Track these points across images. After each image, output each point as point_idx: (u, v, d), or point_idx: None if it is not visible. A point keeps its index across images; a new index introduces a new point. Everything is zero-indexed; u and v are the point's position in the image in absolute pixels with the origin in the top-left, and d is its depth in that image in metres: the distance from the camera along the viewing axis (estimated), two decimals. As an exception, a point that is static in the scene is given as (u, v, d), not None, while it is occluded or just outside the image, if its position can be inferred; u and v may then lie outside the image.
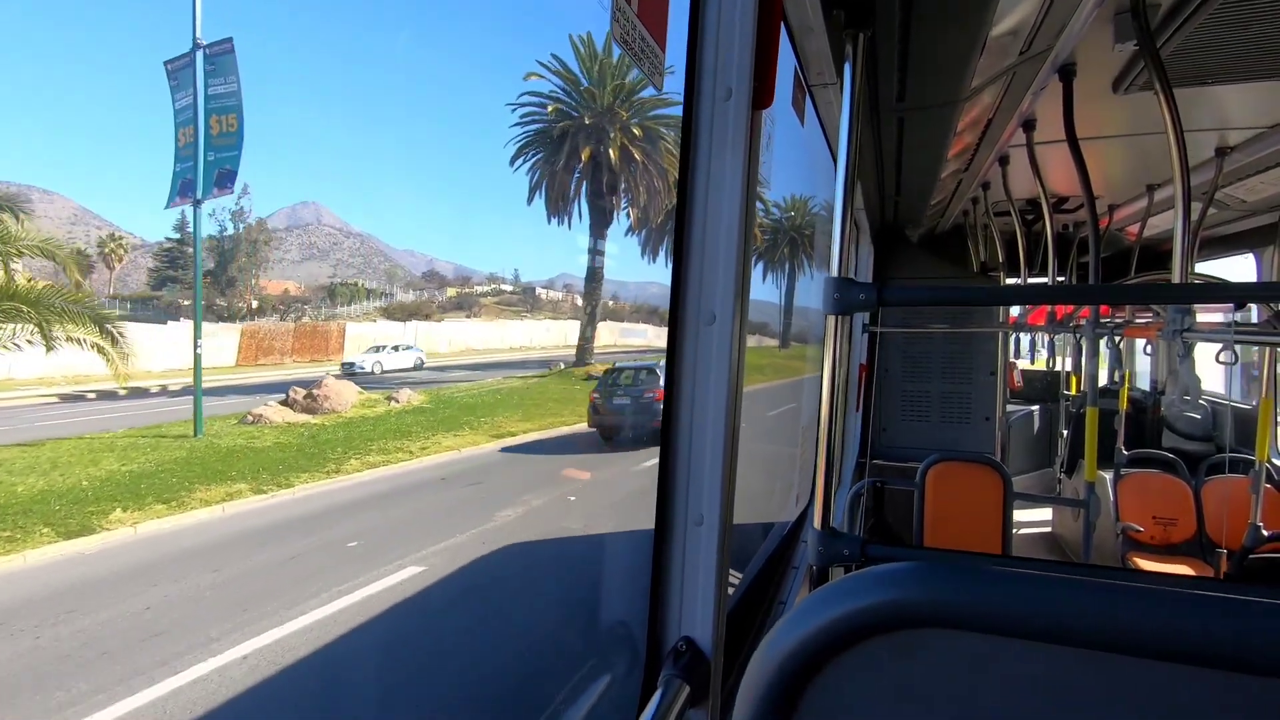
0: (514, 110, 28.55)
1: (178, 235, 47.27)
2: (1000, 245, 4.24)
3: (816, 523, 1.21)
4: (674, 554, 0.98)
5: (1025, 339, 5.06)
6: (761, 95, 0.92)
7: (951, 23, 1.44)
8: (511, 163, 29.10)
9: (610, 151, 27.04)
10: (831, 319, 1.17)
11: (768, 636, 0.64)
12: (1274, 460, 3.70)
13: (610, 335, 44.71)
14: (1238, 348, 1.86)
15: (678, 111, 26.47)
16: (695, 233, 0.94)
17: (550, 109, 27.92)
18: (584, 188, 28.16)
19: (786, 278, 36.47)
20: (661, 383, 10.11)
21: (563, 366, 26.73)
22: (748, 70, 0.90)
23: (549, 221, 29.09)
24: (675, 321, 0.96)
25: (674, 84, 0.87)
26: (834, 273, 1.18)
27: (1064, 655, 0.55)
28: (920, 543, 3.18)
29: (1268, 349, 3.09)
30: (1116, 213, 3.89)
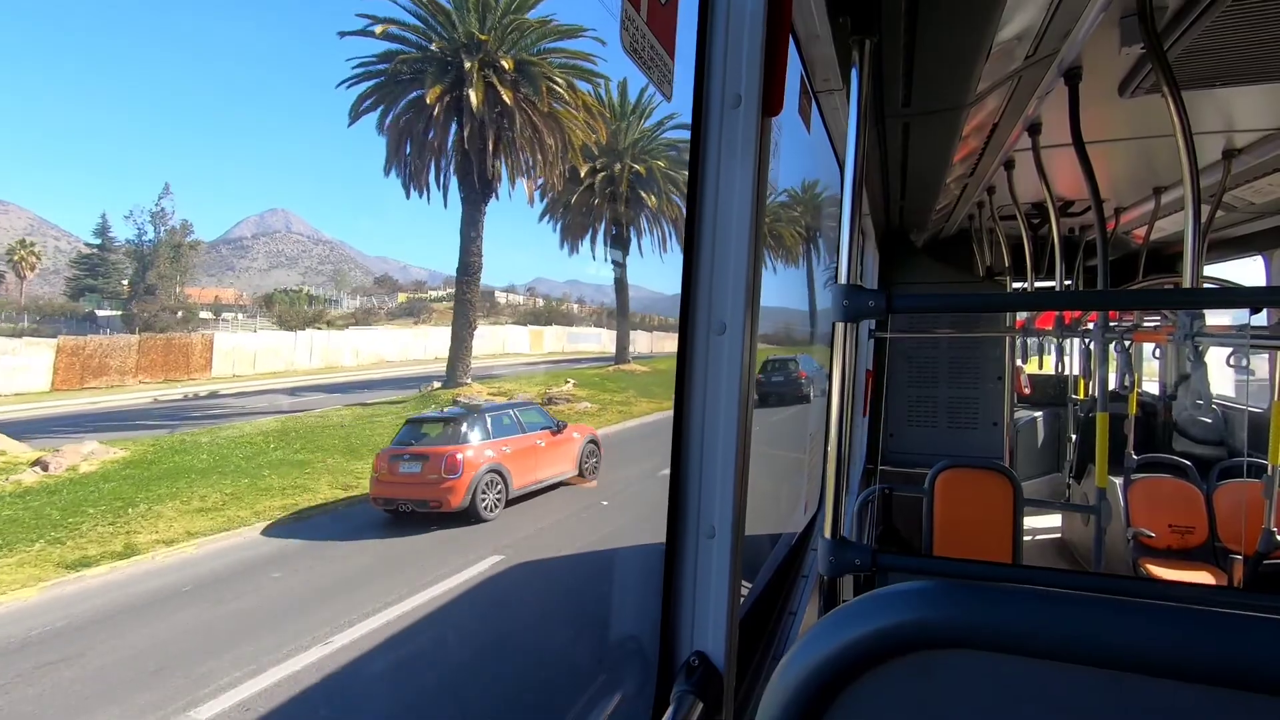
0: (343, 39, 19.59)
1: (99, 240, 43.26)
2: (1006, 249, 4.23)
3: (826, 531, 1.19)
4: (685, 567, 0.97)
5: (1032, 343, 5.03)
6: (771, 102, 0.91)
7: (957, 28, 1.43)
8: (350, 118, 20.06)
9: (471, 94, 19.25)
10: (840, 326, 1.16)
11: (785, 658, 0.63)
12: None
13: (556, 341, 40.33)
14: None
15: (579, 45, 20.50)
16: (705, 241, 0.93)
17: (379, 30, 19.36)
18: (446, 148, 20.55)
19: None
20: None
21: (436, 386, 21.07)
22: (757, 77, 0.89)
23: (407, 196, 20.79)
24: (685, 331, 0.95)
25: (682, 92, 0.86)
26: (842, 279, 1.17)
27: (1086, 675, 0.54)
28: (930, 550, 3.15)
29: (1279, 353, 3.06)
30: (1123, 216, 3.87)
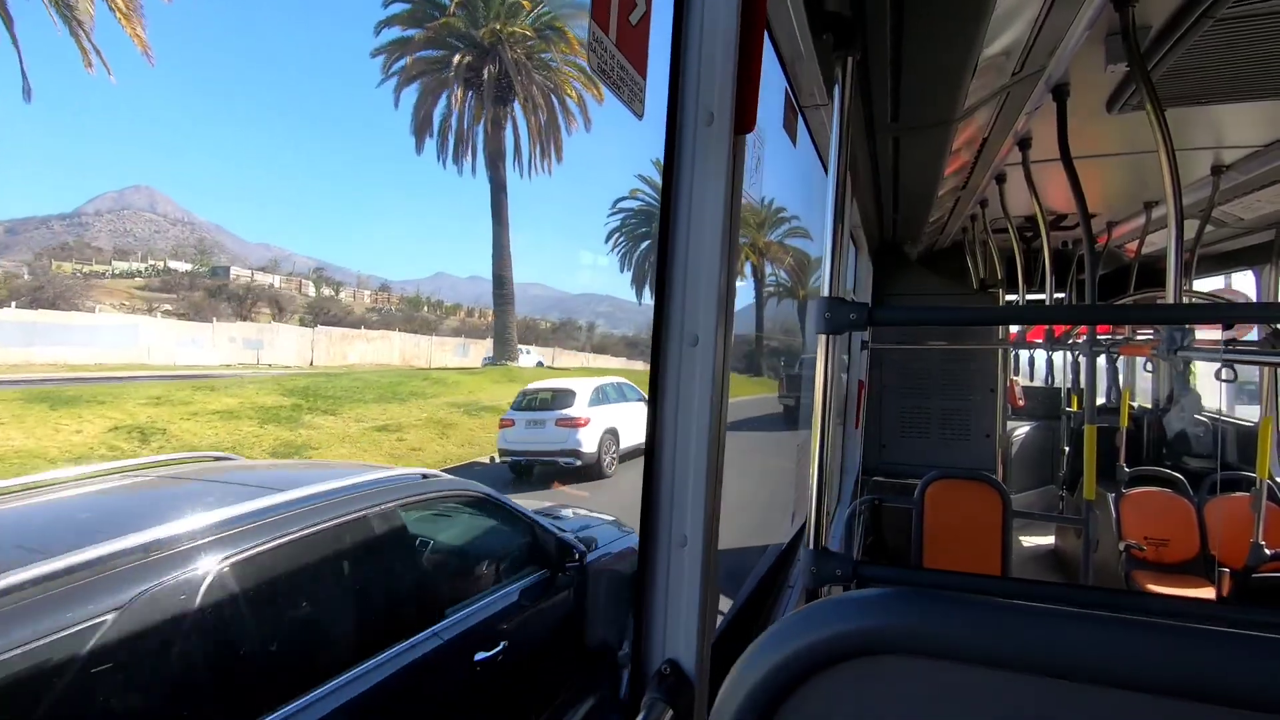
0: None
1: None
2: (999, 262, 4.25)
3: (810, 542, 1.20)
4: (658, 575, 0.98)
5: (1024, 354, 5.05)
6: (743, 120, 0.92)
7: (942, 44, 1.45)
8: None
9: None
10: (823, 338, 1.17)
11: (740, 661, 0.64)
12: (1275, 478, 3.66)
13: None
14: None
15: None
16: (678, 256, 0.94)
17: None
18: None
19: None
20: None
21: None
22: (729, 95, 0.90)
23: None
24: (659, 343, 0.96)
25: (655, 109, 0.87)
26: (825, 292, 1.17)
27: (1032, 684, 0.55)
28: (919, 562, 3.15)
29: (1267, 368, 3.07)
30: (1115, 230, 3.89)
